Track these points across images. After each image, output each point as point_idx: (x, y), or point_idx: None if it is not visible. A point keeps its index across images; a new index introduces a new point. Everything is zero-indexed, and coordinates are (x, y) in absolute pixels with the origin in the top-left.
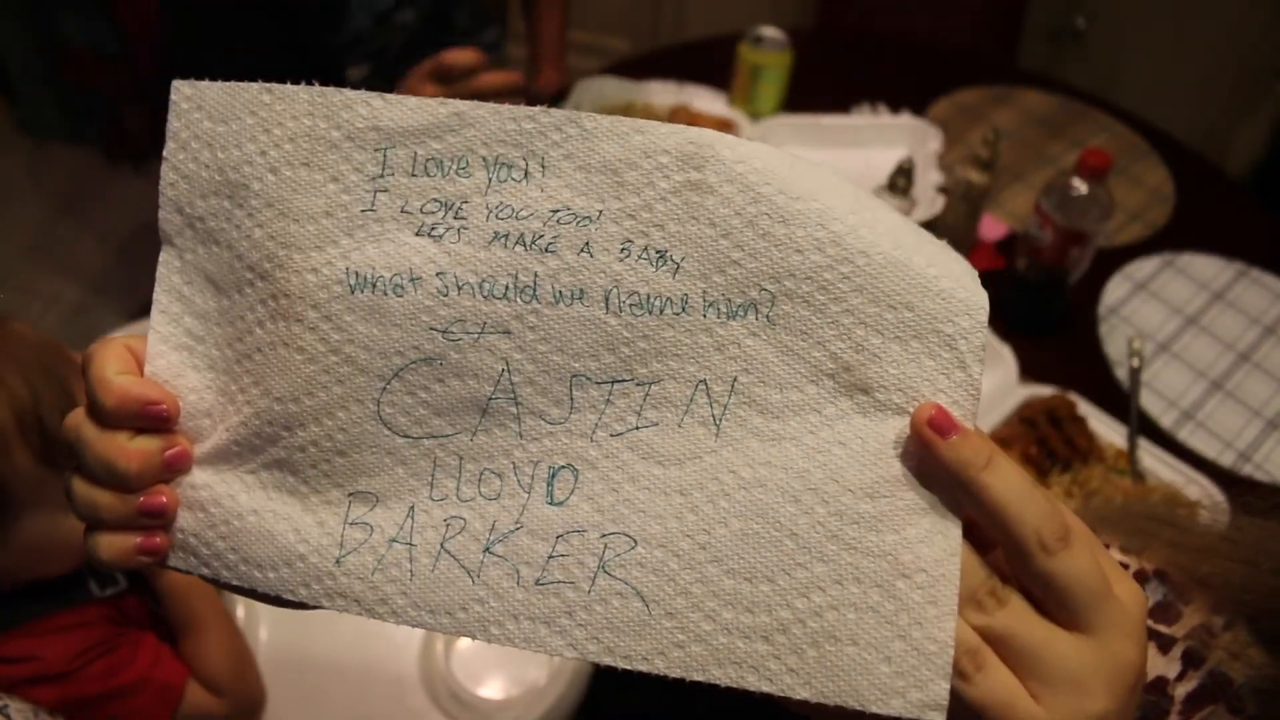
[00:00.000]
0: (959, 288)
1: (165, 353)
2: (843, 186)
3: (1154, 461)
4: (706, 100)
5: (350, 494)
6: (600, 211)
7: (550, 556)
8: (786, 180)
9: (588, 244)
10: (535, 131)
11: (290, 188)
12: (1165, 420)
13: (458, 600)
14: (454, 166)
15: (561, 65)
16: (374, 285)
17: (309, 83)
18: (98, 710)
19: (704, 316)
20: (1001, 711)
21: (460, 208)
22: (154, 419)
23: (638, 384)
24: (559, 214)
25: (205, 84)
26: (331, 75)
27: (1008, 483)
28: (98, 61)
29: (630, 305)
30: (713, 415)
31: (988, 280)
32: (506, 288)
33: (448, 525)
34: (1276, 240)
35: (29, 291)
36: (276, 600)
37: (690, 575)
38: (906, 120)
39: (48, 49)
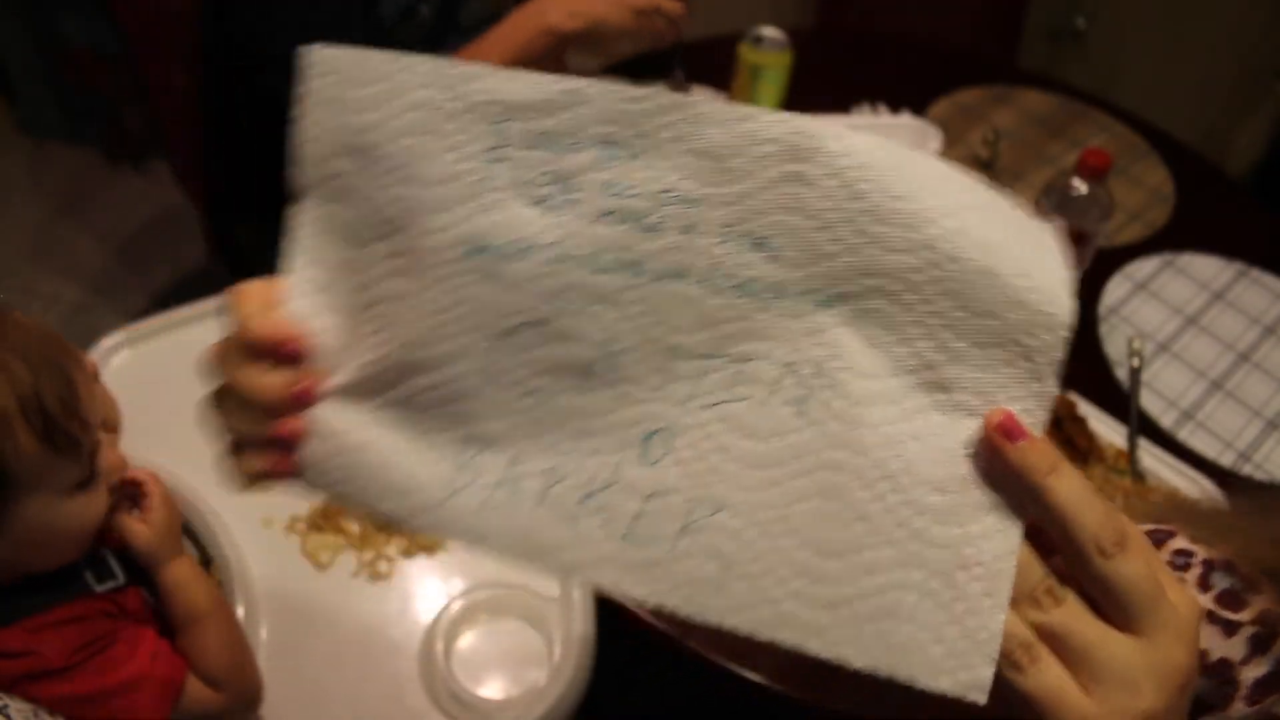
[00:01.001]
0: (1046, 300)
1: (299, 297)
2: (945, 184)
3: (1154, 462)
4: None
5: (462, 437)
6: (705, 195)
7: (639, 514)
8: (887, 177)
9: (692, 226)
10: (646, 112)
11: (412, 154)
12: (1165, 420)
13: (552, 544)
14: (567, 142)
15: (562, 65)
16: (490, 251)
17: None
18: (98, 707)
19: (797, 304)
20: (1052, 703)
21: (572, 182)
22: (288, 355)
23: (730, 361)
24: (665, 195)
25: (337, 50)
26: None
27: (1070, 488)
28: (98, 61)
29: (728, 287)
30: (798, 396)
31: None
32: (613, 262)
33: (547, 475)
34: (1277, 240)
35: (29, 291)
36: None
37: (766, 544)
38: (906, 120)
39: (47, 49)
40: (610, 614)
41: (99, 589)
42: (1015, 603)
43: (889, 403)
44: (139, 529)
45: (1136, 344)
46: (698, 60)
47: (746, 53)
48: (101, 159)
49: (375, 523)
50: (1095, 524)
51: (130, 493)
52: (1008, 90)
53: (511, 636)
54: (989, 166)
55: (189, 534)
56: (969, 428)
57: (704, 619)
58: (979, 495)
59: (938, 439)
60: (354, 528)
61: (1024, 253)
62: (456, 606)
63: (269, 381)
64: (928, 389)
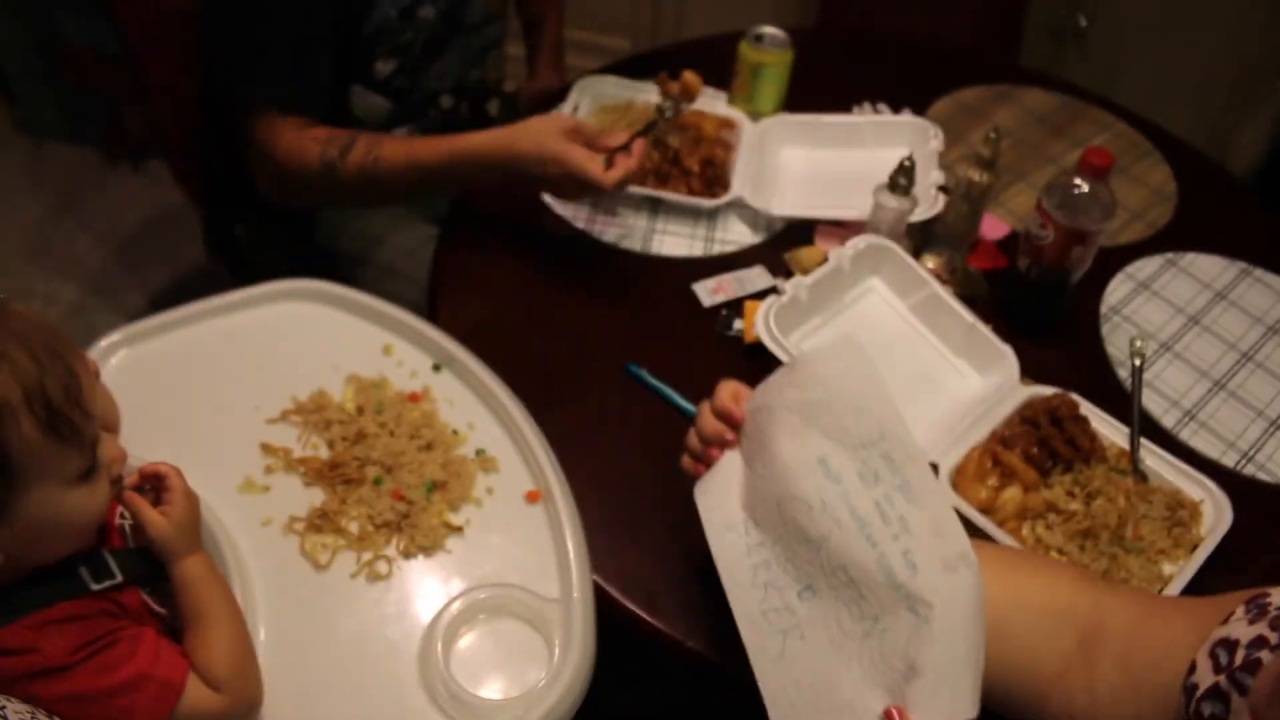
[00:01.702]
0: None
1: (751, 400)
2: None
3: (1156, 461)
4: (706, 99)
5: (752, 517)
6: (914, 532)
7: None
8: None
9: (900, 540)
10: (932, 487)
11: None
12: (1167, 420)
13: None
14: (892, 469)
15: (560, 66)
16: (826, 464)
17: (345, 78)
18: (97, 706)
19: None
20: None
21: (878, 485)
22: (728, 419)
23: (854, 588)
24: (902, 520)
25: (861, 354)
26: (361, 68)
27: None
28: (97, 61)
29: (884, 577)
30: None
31: (990, 280)
32: (855, 523)
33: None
34: (1279, 240)
35: (27, 291)
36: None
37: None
38: (907, 119)
39: (47, 48)
40: (610, 614)
41: (96, 587)
42: None
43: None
44: (158, 520)
45: (1138, 343)
46: (698, 59)
47: (747, 51)
48: (100, 159)
49: (375, 524)
50: None
51: (153, 485)
52: (1009, 89)
53: (511, 637)
54: (990, 165)
55: None
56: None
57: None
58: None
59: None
60: (352, 528)
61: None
62: (456, 607)
63: (715, 427)
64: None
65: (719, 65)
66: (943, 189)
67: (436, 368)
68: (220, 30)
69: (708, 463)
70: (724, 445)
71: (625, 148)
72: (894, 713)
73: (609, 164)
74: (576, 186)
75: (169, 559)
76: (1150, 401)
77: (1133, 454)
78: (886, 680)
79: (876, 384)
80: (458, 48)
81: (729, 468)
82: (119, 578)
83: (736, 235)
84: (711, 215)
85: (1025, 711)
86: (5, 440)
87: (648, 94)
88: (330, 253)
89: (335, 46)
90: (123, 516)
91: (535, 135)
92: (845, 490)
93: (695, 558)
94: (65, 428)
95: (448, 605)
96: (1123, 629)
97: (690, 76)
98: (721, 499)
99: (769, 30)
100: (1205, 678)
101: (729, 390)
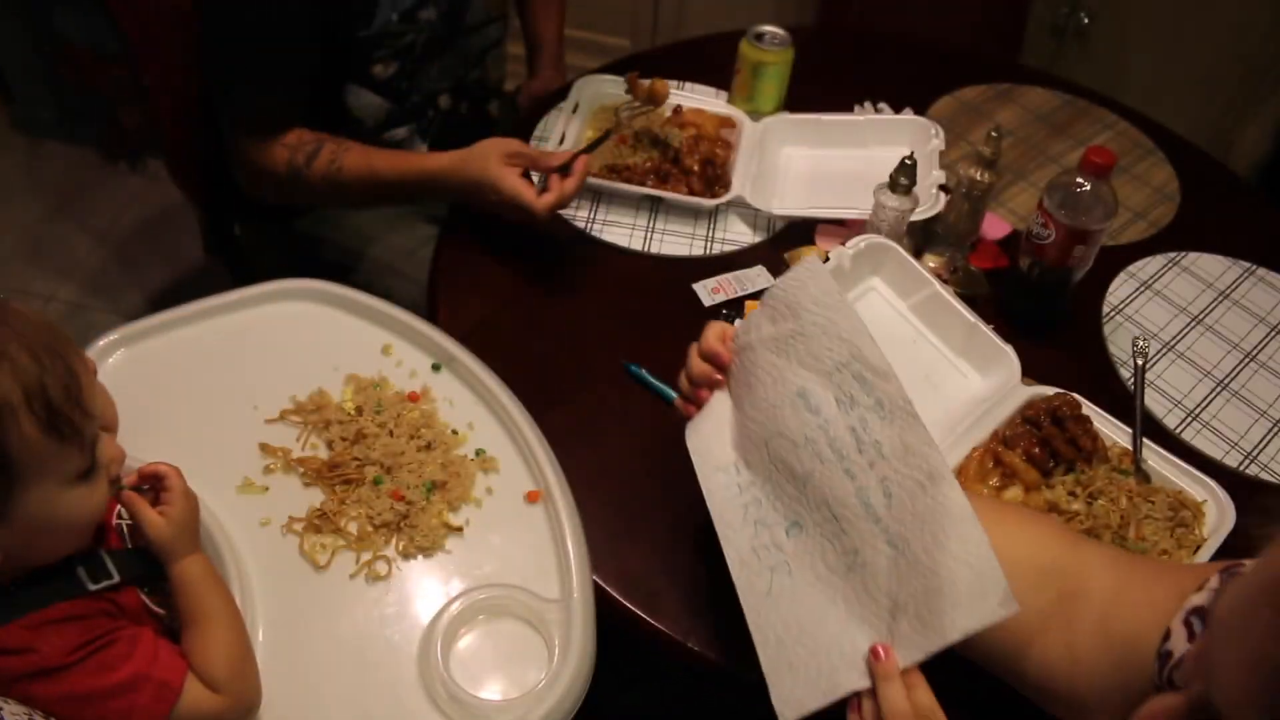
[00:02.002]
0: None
1: (738, 335)
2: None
3: (1159, 462)
4: (707, 98)
5: (739, 451)
6: (892, 460)
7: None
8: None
9: (876, 467)
10: (909, 417)
11: (811, 340)
12: (1170, 420)
13: (726, 532)
14: (868, 390)
15: (561, 65)
16: (804, 398)
17: (340, 77)
18: (95, 707)
19: (872, 525)
20: None
21: (854, 408)
22: (715, 361)
23: (836, 519)
24: (877, 444)
25: (816, 270)
26: (360, 71)
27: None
28: (96, 60)
29: (860, 502)
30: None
31: (991, 279)
32: (831, 449)
33: (757, 502)
34: None
35: (25, 290)
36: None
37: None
38: (908, 118)
39: (45, 47)
40: (610, 614)
41: (93, 588)
42: None
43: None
44: (157, 520)
45: (1141, 343)
46: (698, 58)
47: (748, 50)
48: (99, 158)
49: (374, 523)
50: (890, 707)
51: (152, 484)
52: (1010, 88)
53: (510, 637)
54: (991, 165)
55: None
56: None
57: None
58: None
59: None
60: (352, 528)
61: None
62: (455, 607)
63: (702, 368)
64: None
65: (719, 64)
66: (944, 188)
67: (436, 368)
68: (208, 39)
69: (698, 404)
70: (713, 386)
71: (566, 167)
72: (880, 650)
73: (545, 188)
74: (515, 211)
75: (167, 559)
76: (1153, 401)
77: (1135, 454)
78: (872, 616)
79: (841, 303)
80: (457, 48)
81: (719, 409)
82: (116, 578)
83: (736, 235)
84: (711, 215)
85: (1004, 665)
86: (5, 440)
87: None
88: (329, 252)
89: (332, 50)
90: (120, 517)
91: (479, 161)
92: (824, 421)
93: (695, 557)
94: (65, 427)
95: (447, 606)
96: (1104, 591)
97: (659, 84)
98: (711, 441)
99: (769, 29)
100: (1179, 645)
101: (715, 331)
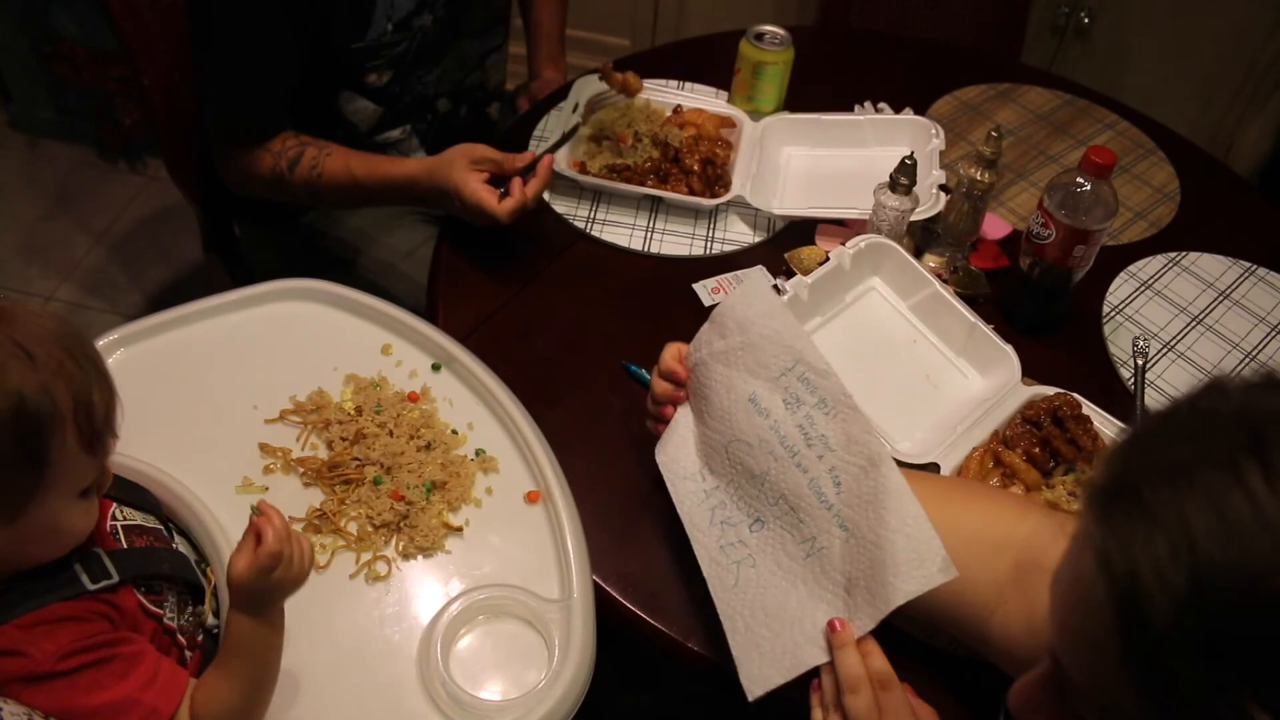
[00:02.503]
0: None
1: (691, 353)
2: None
3: None
4: (707, 98)
5: (704, 460)
6: (839, 451)
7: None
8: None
9: (825, 459)
10: (850, 409)
11: (760, 351)
12: None
13: (693, 535)
14: (810, 390)
15: (561, 64)
16: (755, 403)
17: (333, 85)
18: None
19: (826, 513)
20: None
21: (799, 407)
22: (673, 379)
23: (794, 513)
24: (823, 438)
25: (757, 290)
26: (353, 81)
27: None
28: (93, 58)
29: (813, 491)
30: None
31: (992, 279)
32: (784, 447)
33: (722, 506)
34: None
35: (24, 291)
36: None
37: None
38: (908, 118)
39: (42, 45)
40: (610, 614)
41: (93, 588)
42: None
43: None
44: (239, 564)
45: (1141, 343)
46: (698, 58)
47: (748, 50)
48: (96, 157)
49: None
50: (846, 673)
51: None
52: (1011, 88)
53: (510, 638)
54: (992, 164)
55: (186, 534)
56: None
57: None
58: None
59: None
60: (352, 528)
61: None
62: (455, 607)
63: (663, 387)
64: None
65: (719, 64)
66: (944, 188)
67: (436, 368)
68: (196, 47)
69: (665, 422)
70: (675, 403)
71: (531, 168)
72: (836, 623)
73: (507, 193)
74: (479, 218)
75: (232, 599)
76: (1153, 401)
77: None
78: (829, 595)
79: (783, 314)
80: (455, 53)
81: (683, 424)
82: (115, 577)
83: (736, 235)
84: (711, 215)
85: (970, 632)
86: (49, 445)
87: (648, 93)
88: (329, 252)
89: (324, 60)
90: (114, 518)
91: (444, 168)
92: (775, 423)
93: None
94: (98, 444)
95: (447, 606)
96: (1057, 559)
97: (633, 77)
98: (678, 453)
99: (770, 29)
100: None
101: (672, 351)
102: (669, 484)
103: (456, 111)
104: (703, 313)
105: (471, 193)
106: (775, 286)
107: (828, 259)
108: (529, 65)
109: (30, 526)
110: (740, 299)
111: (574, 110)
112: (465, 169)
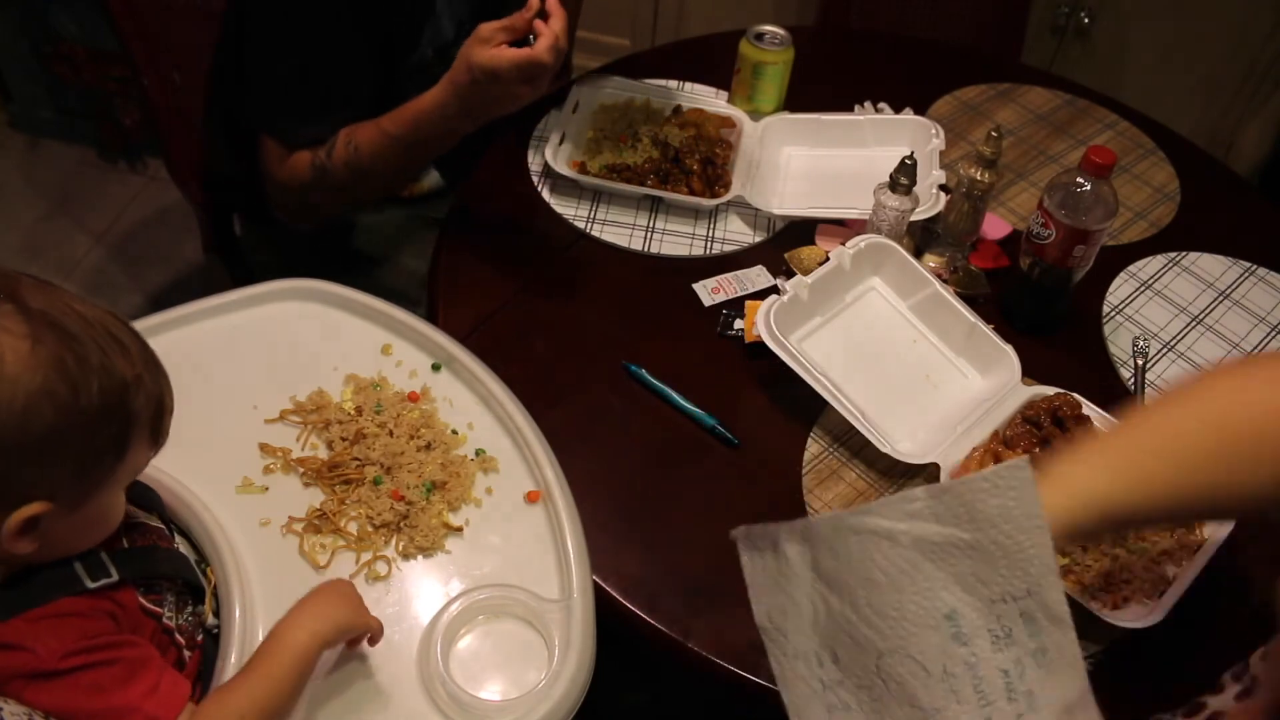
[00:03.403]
0: None
1: None
2: None
3: None
4: (707, 98)
5: (830, 651)
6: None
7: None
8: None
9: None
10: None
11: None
12: None
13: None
14: (1032, 632)
15: (565, 68)
16: (954, 620)
17: (381, 104)
18: None
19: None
20: None
21: (1010, 649)
22: None
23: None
24: (1030, 694)
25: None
26: (394, 103)
27: None
28: (93, 58)
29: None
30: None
31: (992, 279)
32: (972, 688)
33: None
34: None
35: None
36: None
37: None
38: (908, 118)
39: (42, 45)
40: (610, 614)
41: (92, 586)
42: None
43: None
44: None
45: (1141, 343)
46: (698, 57)
47: (748, 50)
48: (97, 157)
49: (374, 524)
50: None
51: None
52: (1011, 88)
53: (510, 638)
54: (992, 164)
55: (186, 535)
56: None
57: None
58: None
59: None
60: (352, 529)
61: None
62: (455, 607)
63: None
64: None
65: (719, 64)
66: (944, 188)
67: (436, 368)
68: (252, 43)
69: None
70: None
71: (541, 14)
72: None
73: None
74: (522, 82)
75: (287, 617)
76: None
77: None
78: None
79: (1039, 528)
80: None
81: (795, 571)
82: (115, 576)
83: (736, 235)
84: (711, 215)
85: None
86: (131, 436)
87: (648, 92)
88: (329, 252)
89: (380, 82)
90: None
91: (462, 64)
92: (973, 657)
93: (695, 557)
94: (160, 440)
95: (447, 606)
96: None
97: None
98: (784, 618)
99: (770, 29)
100: None
101: None
102: (769, 647)
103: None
104: (703, 313)
105: (506, 59)
106: (775, 287)
107: (828, 259)
108: None
109: (89, 513)
110: (990, 484)
111: (573, 111)
112: (484, 49)
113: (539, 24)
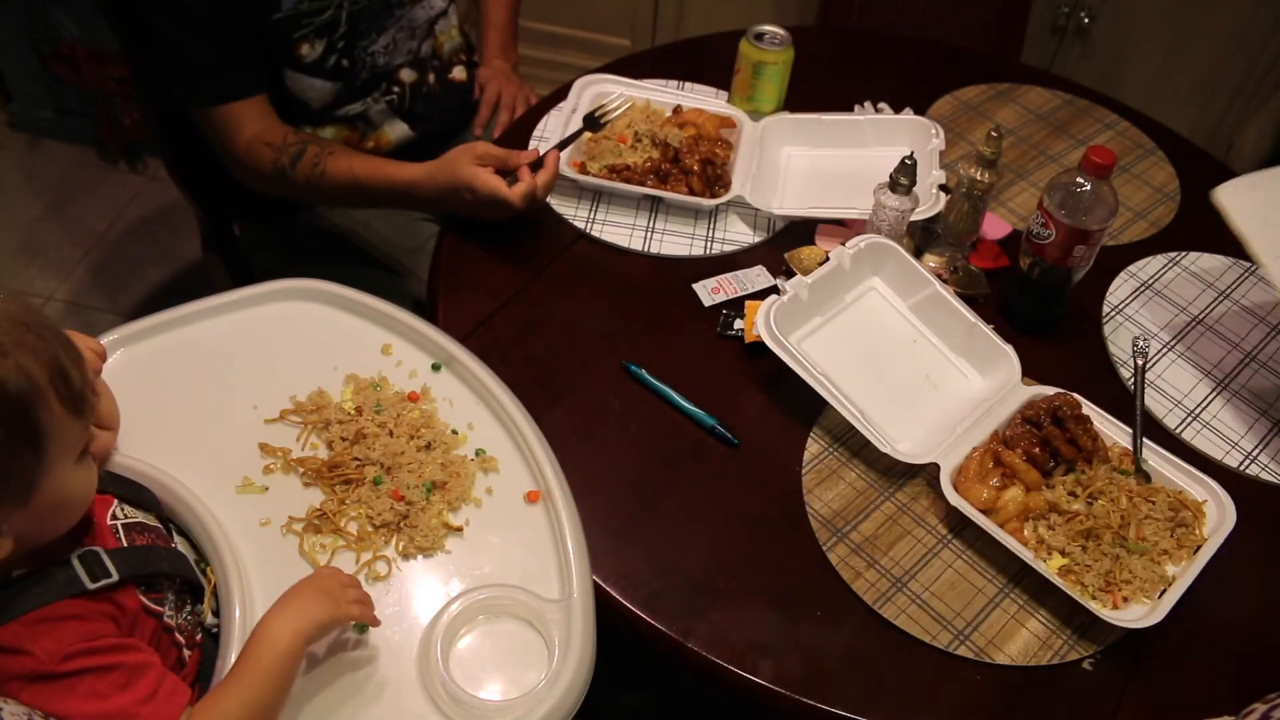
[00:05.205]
0: None
1: None
2: None
3: (1159, 462)
4: (707, 98)
5: None
6: None
7: None
8: None
9: None
10: None
11: None
12: (1170, 420)
13: None
14: None
15: (512, 54)
16: None
17: (275, 65)
18: None
19: None
20: None
21: None
22: None
23: None
24: None
25: None
26: (286, 54)
27: None
28: (92, 58)
29: None
30: None
31: (992, 279)
32: None
33: None
34: None
35: (24, 291)
36: None
37: None
38: (908, 118)
39: (41, 45)
40: (610, 614)
41: (92, 586)
42: None
43: None
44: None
45: (1141, 343)
46: (698, 57)
47: (748, 50)
48: (96, 157)
49: (374, 524)
50: None
51: None
52: (1011, 88)
53: (510, 638)
54: (992, 164)
55: (186, 535)
56: None
57: None
58: None
59: None
60: (352, 528)
61: None
62: (455, 607)
63: None
64: None
65: (719, 64)
66: (944, 188)
67: (436, 367)
68: (133, 32)
69: None
70: None
71: (537, 164)
72: None
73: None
74: (492, 207)
75: (268, 616)
76: (1153, 401)
77: (1135, 454)
78: None
79: None
80: (399, 21)
81: None
82: (115, 576)
83: (736, 235)
84: (711, 215)
85: None
86: (39, 419)
87: (648, 93)
88: (329, 252)
89: (254, 35)
90: (115, 517)
91: (450, 166)
92: None
93: (695, 557)
94: (83, 406)
95: (447, 606)
96: None
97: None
98: None
99: (770, 28)
100: None
101: None
102: None
103: (424, 81)
104: (703, 313)
105: (484, 183)
106: (775, 287)
107: (828, 259)
108: (480, 51)
109: (43, 502)
110: None
111: (573, 111)
112: (472, 164)
113: (525, 170)
